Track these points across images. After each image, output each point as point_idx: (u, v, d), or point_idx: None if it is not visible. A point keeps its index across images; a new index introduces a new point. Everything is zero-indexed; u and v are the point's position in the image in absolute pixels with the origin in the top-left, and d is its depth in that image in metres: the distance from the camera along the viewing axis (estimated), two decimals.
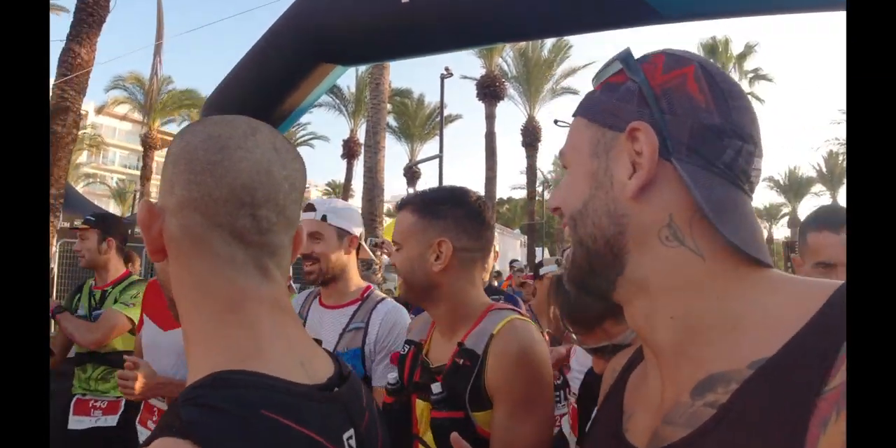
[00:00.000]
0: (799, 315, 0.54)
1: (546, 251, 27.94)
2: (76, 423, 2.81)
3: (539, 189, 31.45)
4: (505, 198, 57.30)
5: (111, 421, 2.80)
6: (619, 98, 0.65)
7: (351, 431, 0.68)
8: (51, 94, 8.57)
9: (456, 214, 1.41)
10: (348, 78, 31.17)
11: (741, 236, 0.59)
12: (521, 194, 36.63)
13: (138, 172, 32.48)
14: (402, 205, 1.50)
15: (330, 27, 7.96)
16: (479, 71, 26.60)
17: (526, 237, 27.97)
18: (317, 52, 7.91)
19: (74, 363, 3.02)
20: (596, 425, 0.80)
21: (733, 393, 0.53)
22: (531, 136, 28.76)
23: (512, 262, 11.30)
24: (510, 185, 58.75)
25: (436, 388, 1.29)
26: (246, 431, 0.55)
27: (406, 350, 1.53)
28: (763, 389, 0.52)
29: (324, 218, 2.12)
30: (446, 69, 17.52)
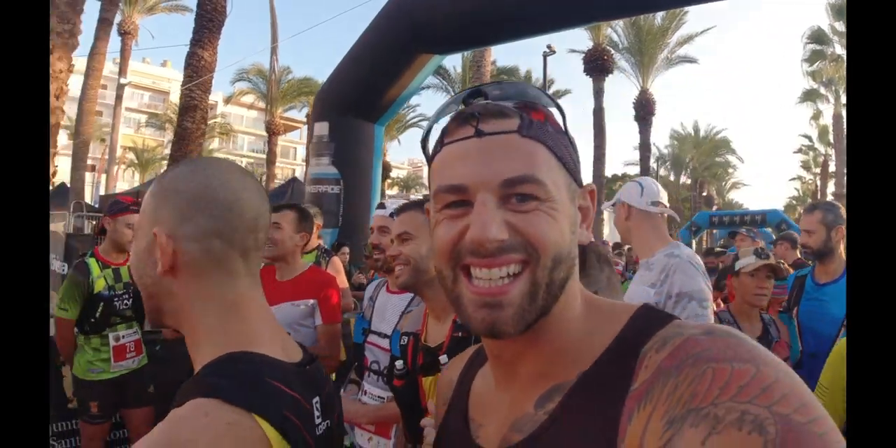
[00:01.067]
0: (611, 331, 0.66)
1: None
2: None
3: (653, 165, 30.26)
4: (619, 174, 55.74)
5: None
6: (567, 147, 0.70)
7: (317, 398, 0.88)
8: (179, 94, 9.53)
9: None
10: (454, 59, 31.30)
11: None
12: (635, 170, 35.32)
13: (264, 156, 34.80)
14: (413, 204, 1.75)
15: (426, 18, 8.18)
16: (586, 43, 25.76)
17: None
18: (415, 43, 8.20)
19: None
20: (446, 434, 0.83)
21: (561, 399, 0.64)
22: (644, 110, 27.59)
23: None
24: (623, 160, 56.80)
25: (443, 359, 1.50)
26: (255, 391, 0.76)
27: (405, 341, 1.76)
28: (583, 394, 0.62)
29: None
30: (548, 47, 17.11)
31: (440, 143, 0.70)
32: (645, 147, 28.02)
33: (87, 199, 20.16)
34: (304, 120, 35.72)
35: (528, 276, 0.63)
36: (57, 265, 6.65)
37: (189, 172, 0.90)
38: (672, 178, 43.52)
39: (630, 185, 2.68)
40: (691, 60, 27.51)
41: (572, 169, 0.69)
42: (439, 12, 7.62)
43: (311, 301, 2.79)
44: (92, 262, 3.27)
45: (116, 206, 3.28)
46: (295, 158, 56.07)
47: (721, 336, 0.57)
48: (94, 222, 13.62)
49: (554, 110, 0.71)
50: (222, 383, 0.74)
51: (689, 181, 44.27)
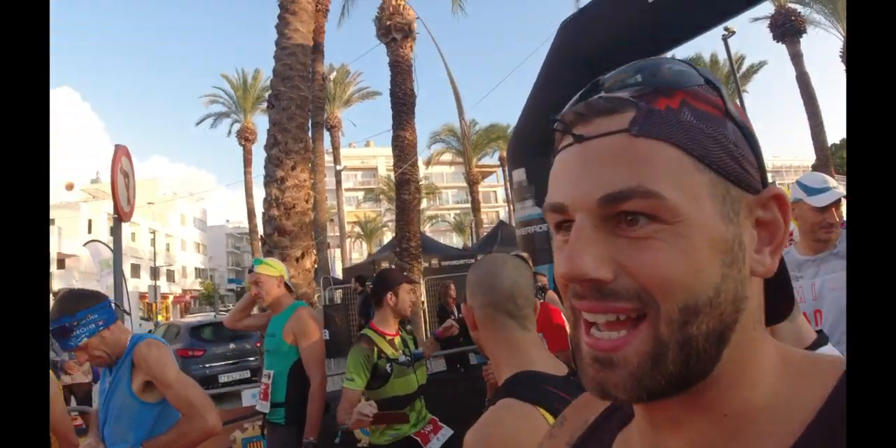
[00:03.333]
0: (813, 398, 0.47)
1: None
2: None
3: None
4: None
5: None
6: (735, 142, 0.50)
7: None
8: (393, 172, 10.92)
9: None
10: None
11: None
12: None
13: (468, 205, 36.81)
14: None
15: (592, 45, 8.42)
16: (768, 8, 23.56)
17: None
18: (588, 71, 8.45)
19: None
20: None
21: None
22: None
23: None
24: None
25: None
26: (536, 392, 1.13)
27: None
28: None
29: None
30: (726, 29, 16.07)
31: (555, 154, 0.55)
32: None
33: (337, 273, 23.16)
34: (498, 163, 37.36)
35: (647, 331, 0.46)
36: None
37: (479, 266, 1.42)
38: None
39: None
40: None
41: (732, 170, 0.49)
42: (603, 34, 7.81)
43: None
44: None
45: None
46: (496, 201, 58.28)
47: None
48: (340, 292, 15.70)
49: (705, 90, 0.51)
50: (516, 389, 1.16)
51: None
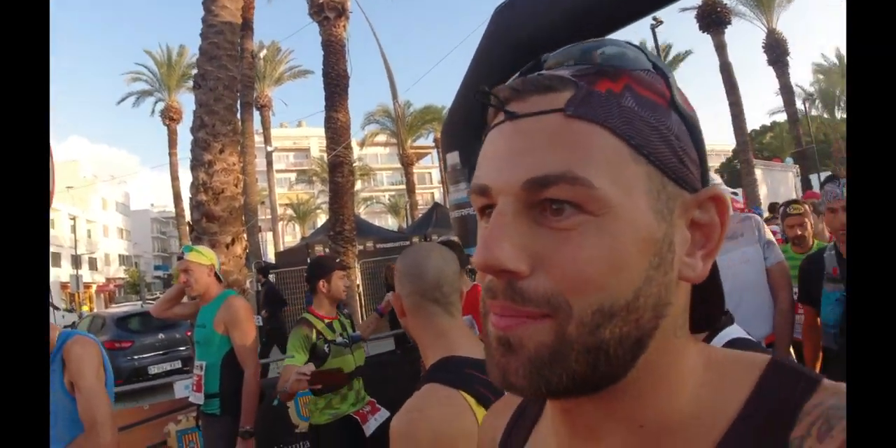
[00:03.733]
0: (734, 401, 0.45)
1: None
2: None
3: (801, 108, 27.92)
4: (768, 124, 51.46)
5: None
6: (677, 135, 0.46)
7: None
8: (326, 153, 10.77)
9: None
10: None
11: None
12: (783, 117, 32.69)
13: (403, 186, 36.74)
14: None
15: (527, 32, 8.49)
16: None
17: (798, 167, 25.09)
18: (523, 57, 8.49)
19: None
20: None
21: None
22: (776, 51, 25.75)
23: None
24: (768, 110, 52.33)
25: None
26: (459, 376, 1.16)
27: None
28: None
29: None
30: (654, 19, 16.69)
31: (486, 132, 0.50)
32: (787, 90, 26.06)
33: (269, 257, 22.74)
34: (433, 145, 37.32)
35: (551, 325, 0.42)
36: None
37: (407, 255, 1.45)
38: (826, 115, 39.62)
39: None
40: None
41: (671, 165, 0.45)
42: (538, 18, 7.85)
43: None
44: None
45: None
46: (431, 183, 58.34)
47: None
48: (273, 276, 15.48)
49: (651, 76, 0.47)
50: (438, 373, 1.21)
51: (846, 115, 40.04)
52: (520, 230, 0.43)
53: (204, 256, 3.23)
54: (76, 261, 36.86)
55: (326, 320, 3.30)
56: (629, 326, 0.43)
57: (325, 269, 3.36)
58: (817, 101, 39.58)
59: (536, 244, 0.43)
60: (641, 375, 0.45)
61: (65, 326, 2.21)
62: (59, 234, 42.02)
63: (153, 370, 9.46)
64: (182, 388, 4.10)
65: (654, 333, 0.44)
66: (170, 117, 32.33)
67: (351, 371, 3.22)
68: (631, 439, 0.47)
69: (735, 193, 6.71)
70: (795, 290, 2.99)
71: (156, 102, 34.11)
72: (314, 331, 3.18)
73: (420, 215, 23.13)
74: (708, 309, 0.52)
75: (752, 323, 2.63)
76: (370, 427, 3.20)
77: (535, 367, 0.42)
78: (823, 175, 20.88)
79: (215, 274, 3.28)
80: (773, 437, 0.41)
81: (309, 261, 3.80)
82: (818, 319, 2.78)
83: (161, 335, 10.13)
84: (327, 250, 12.45)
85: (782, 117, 33.48)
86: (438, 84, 18.95)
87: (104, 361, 2.16)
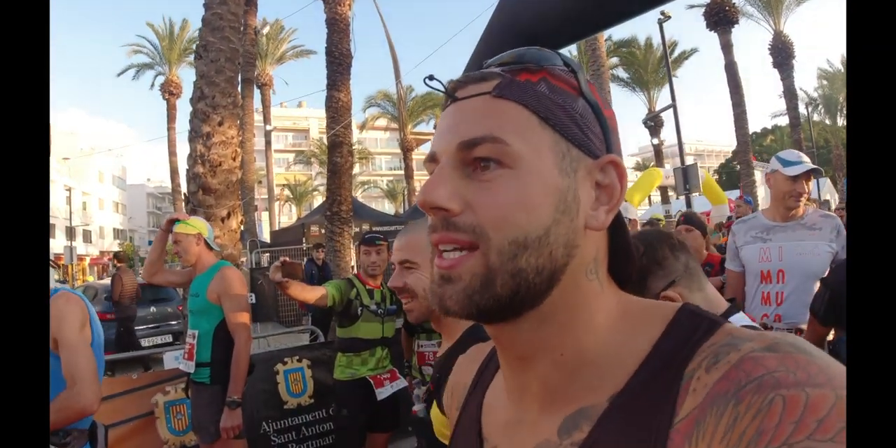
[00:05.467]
0: (645, 342, 0.54)
1: (828, 183, 24.51)
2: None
3: (804, 112, 27.85)
4: (770, 127, 51.46)
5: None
6: (581, 113, 0.58)
7: None
8: (326, 134, 10.68)
9: None
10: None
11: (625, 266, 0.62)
12: (784, 121, 32.65)
13: (402, 172, 36.62)
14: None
15: (534, 22, 8.49)
16: None
17: None
18: (526, 45, 8.50)
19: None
20: None
21: (591, 429, 0.53)
22: (782, 54, 25.65)
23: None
24: (771, 112, 52.24)
25: None
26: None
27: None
28: (617, 424, 0.51)
29: None
30: (662, 13, 16.49)
31: None
32: (790, 94, 25.98)
33: (264, 236, 22.67)
34: (434, 131, 37.14)
35: (479, 257, 0.53)
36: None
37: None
38: (828, 121, 39.59)
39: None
40: None
41: (573, 134, 0.57)
42: (544, 8, 7.85)
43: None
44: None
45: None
46: None
47: (788, 352, 0.46)
48: (266, 255, 15.44)
49: (565, 72, 0.60)
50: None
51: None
52: (454, 181, 0.56)
53: (191, 226, 3.23)
54: (70, 232, 36.68)
55: (369, 286, 3.54)
56: (543, 258, 0.54)
57: (360, 241, 3.65)
58: (820, 107, 39.53)
59: (467, 193, 0.55)
60: (558, 308, 0.56)
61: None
62: (54, 204, 41.83)
63: (144, 343, 9.42)
64: (172, 359, 4.09)
65: (565, 270, 0.56)
66: (169, 91, 32.11)
67: (375, 339, 3.50)
68: (556, 369, 0.57)
69: (748, 200, 6.68)
70: None
71: (156, 76, 33.83)
72: (354, 290, 3.46)
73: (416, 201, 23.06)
74: (624, 266, 0.62)
75: (801, 309, 2.68)
76: (383, 392, 3.42)
77: (468, 294, 0.54)
78: (821, 181, 20.87)
79: (206, 243, 3.27)
80: (674, 371, 0.50)
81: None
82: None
83: (153, 308, 10.09)
84: (323, 231, 12.41)
85: (784, 121, 33.49)
86: (441, 71, 18.77)
87: (91, 319, 2.09)
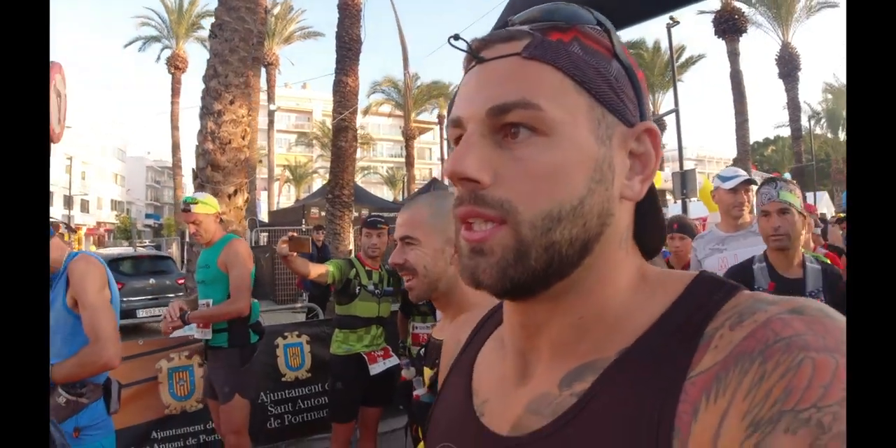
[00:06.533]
0: (662, 302, 0.53)
1: (826, 196, 24.64)
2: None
3: (806, 124, 27.96)
4: (772, 137, 51.58)
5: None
6: (616, 77, 0.55)
7: None
8: (332, 118, 10.77)
9: None
10: None
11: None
12: (787, 132, 32.77)
13: (402, 160, 36.63)
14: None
15: None
16: (716, 4, 24.32)
17: (795, 183, 25.12)
18: None
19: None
20: (443, 405, 0.72)
21: (595, 379, 0.52)
22: (788, 66, 25.81)
23: None
24: (774, 123, 52.31)
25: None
26: None
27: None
28: (623, 375, 0.50)
29: None
30: (671, 18, 16.50)
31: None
32: (794, 105, 26.14)
33: (263, 216, 22.76)
34: (437, 121, 37.21)
35: (509, 230, 0.52)
36: None
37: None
38: (830, 135, 39.75)
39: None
40: (833, 5, 25.20)
41: (609, 99, 0.54)
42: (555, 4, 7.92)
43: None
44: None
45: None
46: (431, 158, 58.16)
47: (816, 317, 0.45)
48: (265, 235, 15.54)
49: (598, 32, 0.56)
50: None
51: None
52: (484, 150, 0.53)
53: (209, 206, 3.34)
54: (68, 201, 36.63)
55: (367, 267, 3.69)
56: (577, 229, 0.52)
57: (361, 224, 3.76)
58: (823, 121, 39.66)
59: (496, 163, 0.52)
60: (585, 276, 0.55)
61: None
62: (53, 173, 41.67)
63: (141, 314, 9.53)
64: None
65: (599, 239, 0.54)
66: (175, 65, 31.96)
67: (371, 317, 3.66)
68: (569, 330, 0.56)
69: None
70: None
71: (162, 49, 33.68)
72: (353, 270, 3.62)
73: (417, 189, 23.18)
74: (653, 233, 0.61)
75: None
76: (375, 368, 3.57)
77: (502, 267, 0.52)
78: (819, 194, 21.01)
79: (220, 220, 3.42)
80: (691, 330, 0.49)
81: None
82: None
83: (152, 280, 10.20)
84: (324, 213, 12.53)
85: (786, 132, 33.61)
86: (448, 61, 18.70)
87: (110, 281, 2.22)
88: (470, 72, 0.57)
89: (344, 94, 10.63)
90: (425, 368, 1.40)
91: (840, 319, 0.45)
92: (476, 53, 0.56)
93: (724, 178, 3.27)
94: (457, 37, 0.57)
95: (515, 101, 0.51)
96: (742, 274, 2.59)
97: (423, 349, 1.54)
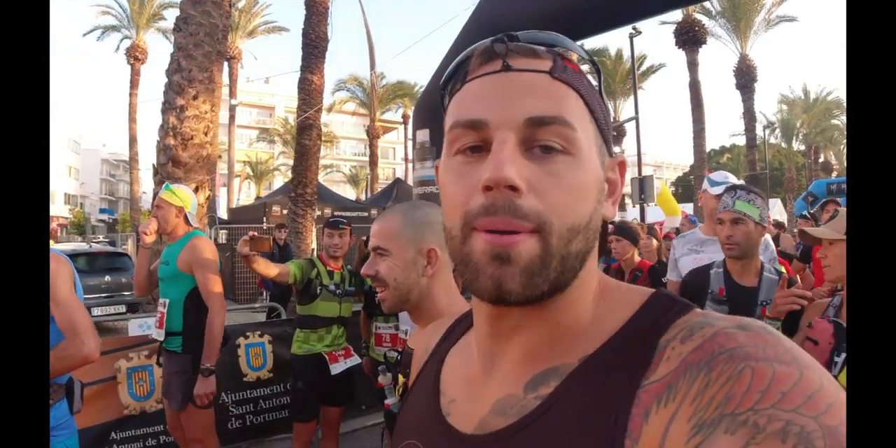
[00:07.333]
0: (622, 316, 0.58)
1: (779, 203, 25.44)
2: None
3: (761, 134, 28.84)
4: (728, 146, 52.97)
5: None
6: (601, 105, 0.61)
7: None
8: (295, 116, 10.71)
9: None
10: None
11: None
12: (742, 141, 33.76)
13: (366, 159, 36.45)
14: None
15: (513, 24, 8.52)
16: (677, 15, 24.94)
17: (760, 193, 25.87)
18: None
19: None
20: (411, 405, 0.75)
21: (559, 384, 0.56)
22: (745, 77, 26.59)
23: None
24: (730, 132, 53.79)
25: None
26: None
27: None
28: (584, 381, 0.54)
29: None
30: (634, 28, 16.87)
31: (461, 81, 0.61)
32: (750, 115, 26.91)
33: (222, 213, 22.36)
34: (401, 120, 37.13)
35: (540, 239, 0.54)
36: None
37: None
38: (784, 145, 41.10)
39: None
40: (791, 19, 26.14)
41: (604, 130, 0.61)
42: (525, 11, 7.90)
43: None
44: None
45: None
46: (394, 158, 57.91)
47: (758, 332, 0.50)
48: (225, 233, 15.25)
49: (592, 70, 0.64)
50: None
51: (802, 147, 41.71)
52: (519, 160, 0.54)
53: (176, 197, 3.27)
54: None
55: (329, 268, 3.70)
56: (584, 243, 0.57)
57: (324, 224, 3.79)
58: (777, 130, 40.91)
59: (528, 173, 0.54)
60: (575, 285, 0.59)
61: None
62: None
63: (95, 312, 9.23)
64: (136, 327, 4.14)
65: (591, 252, 0.59)
66: (135, 56, 31.14)
67: (332, 317, 3.68)
68: (544, 335, 0.60)
69: (693, 220, 7.10)
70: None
71: (122, 39, 32.79)
72: (315, 270, 3.63)
73: (380, 189, 23.10)
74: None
75: None
76: (336, 368, 3.57)
77: (528, 275, 0.54)
78: (772, 201, 21.66)
79: (185, 216, 3.31)
80: (648, 340, 0.54)
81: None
82: None
83: (107, 277, 9.91)
84: (285, 211, 12.41)
85: (742, 140, 34.60)
86: (414, 62, 18.78)
87: (75, 279, 2.18)
88: (488, 77, 0.58)
89: (309, 92, 10.58)
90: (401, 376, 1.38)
91: (778, 335, 0.50)
92: (505, 62, 0.57)
93: (713, 183, 3.28)
94: (499, 38, 0.59)
95: (555, 115, 0.55)
96: (699, 276, 2.66)
97: (400, 356, 1.55)
